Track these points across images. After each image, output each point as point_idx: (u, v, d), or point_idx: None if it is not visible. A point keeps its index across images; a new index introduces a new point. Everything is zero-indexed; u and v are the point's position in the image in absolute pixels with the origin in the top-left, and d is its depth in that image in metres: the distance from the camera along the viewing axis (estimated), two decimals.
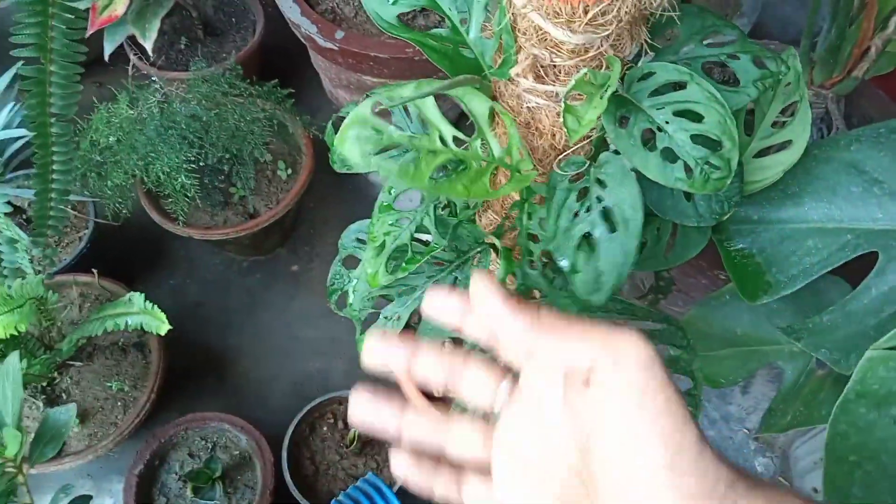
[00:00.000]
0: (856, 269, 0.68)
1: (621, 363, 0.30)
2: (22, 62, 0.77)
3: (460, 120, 0.56)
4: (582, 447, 0.31)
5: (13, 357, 0.66)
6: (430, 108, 0.47)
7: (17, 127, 1.08)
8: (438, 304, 0.35)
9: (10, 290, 0.80)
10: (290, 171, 1.28)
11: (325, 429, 1.15)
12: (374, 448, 1.14)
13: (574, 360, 0.31)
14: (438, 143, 0.47)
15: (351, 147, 0.45)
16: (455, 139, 0.48)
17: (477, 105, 0.48)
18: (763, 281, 0.67)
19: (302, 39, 1.27)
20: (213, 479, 1.05)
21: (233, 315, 1.35)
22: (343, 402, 1.16)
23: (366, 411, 0.36)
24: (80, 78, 0.77)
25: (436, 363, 0.35)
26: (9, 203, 0.90)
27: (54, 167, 0.83)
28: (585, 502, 0.32)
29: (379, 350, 0.36)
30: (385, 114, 0.70)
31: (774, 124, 0.63)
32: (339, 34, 1.18)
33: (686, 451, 0.29)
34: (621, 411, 0.29)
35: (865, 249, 0.64)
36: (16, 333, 0.77)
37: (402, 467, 0.37)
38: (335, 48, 1.19)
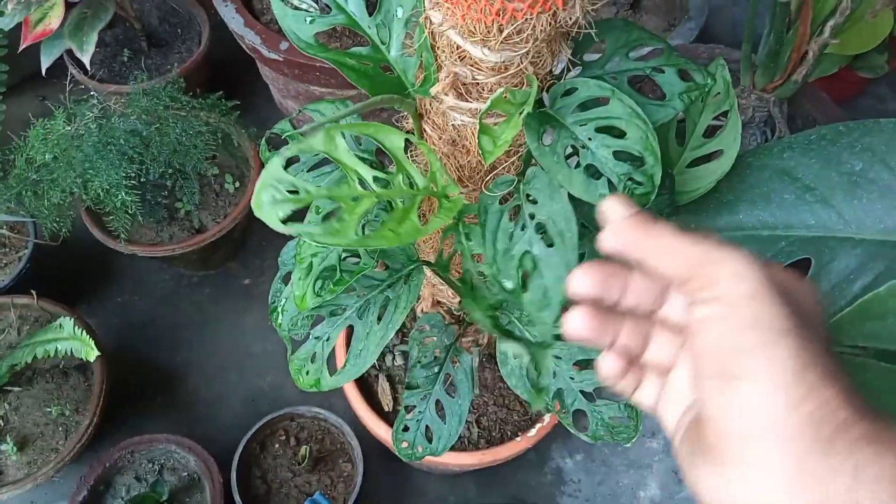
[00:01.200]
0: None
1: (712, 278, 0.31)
2: None
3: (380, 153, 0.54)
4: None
5: None
6: (343, 152, 0.45)
7: None
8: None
9: None
10: (237, 184, 1.25)
11: (276, 446, 1.13)
12: (327, 464, 1.12)
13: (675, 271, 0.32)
14: (359, 188, 0.46)
15: (268, 213, 0.43)
16: (375, 179, 0.46)
17: (391, 140, 0.47)
18: None
19: (247, 51, 1.25)
20: (161, 503, 1.02)
21: (182, 331, 1.32)
22: (295, 418, 1.14)
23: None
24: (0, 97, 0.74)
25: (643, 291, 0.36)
26: None
27: None
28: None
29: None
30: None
31: (706, 134, 0.63)
32: (284, 45, 1.16)
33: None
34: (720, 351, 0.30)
35: (799, 256, 0.64)
36: None
37: (610, 365, 0.37)
38: (280, 59, 1.17)
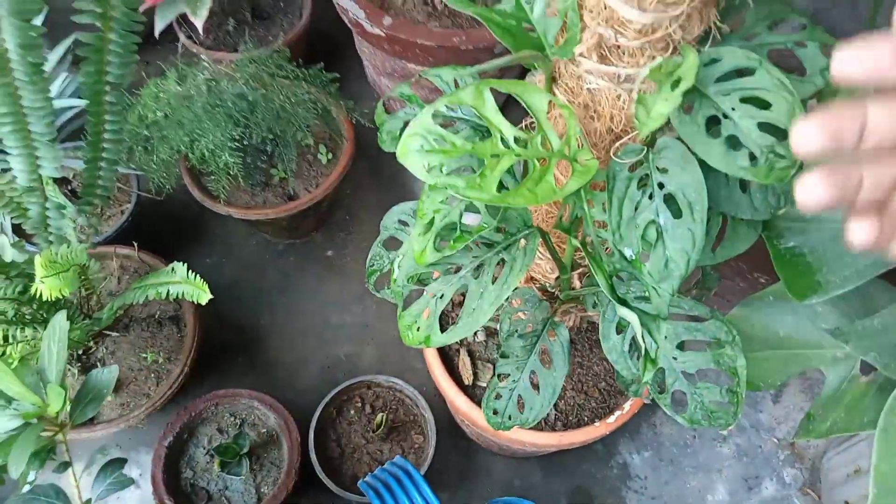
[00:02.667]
0: None
1: None
2: (79, 31, 0.78)
3: (506, 106, 0.55)
4: None
5: (60, 316, 0.67)
6: (490, 109, 0.46)
7: (69, 97, 1.10)
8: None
9: (56, 255, 0.81)
10: (330, 155, 1.28)
11: (352, 412, 1.15)
12: (399, 434, 1.14)
13: None
14: (501, 146, 0.47)
15: (414, 160, 0.45)
16: (516, 139, 0.47)
17: (536, 100, 0.48)
18: (813, 280, 0.66)
19: (349, 25, 1.27)
20: (241, 455, 1.05)
21: (266, 296, 1.36)
22: (371, 386, 1.16)
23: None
24: (136, 48, 0.78)
25: None
26: (59, 171, 0.91)
27: (106, 136, 0.84)
28: None
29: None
30: (437, 91, 0.69)
31: None
32: (387, 20, 1.18)
33: None
34: None
35: None
36: (60, 297, 0.78)
37: (863, 235, 0.32)
38: (382, 34, 1.19)
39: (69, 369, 1.07)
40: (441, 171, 0.47)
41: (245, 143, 1.12)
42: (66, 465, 0.67)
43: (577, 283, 0.76)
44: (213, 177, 1.15)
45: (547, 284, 0.82)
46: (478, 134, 0.57)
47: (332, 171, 1.26)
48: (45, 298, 0.74)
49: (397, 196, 1.47)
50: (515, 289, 0.85)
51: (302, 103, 1.14)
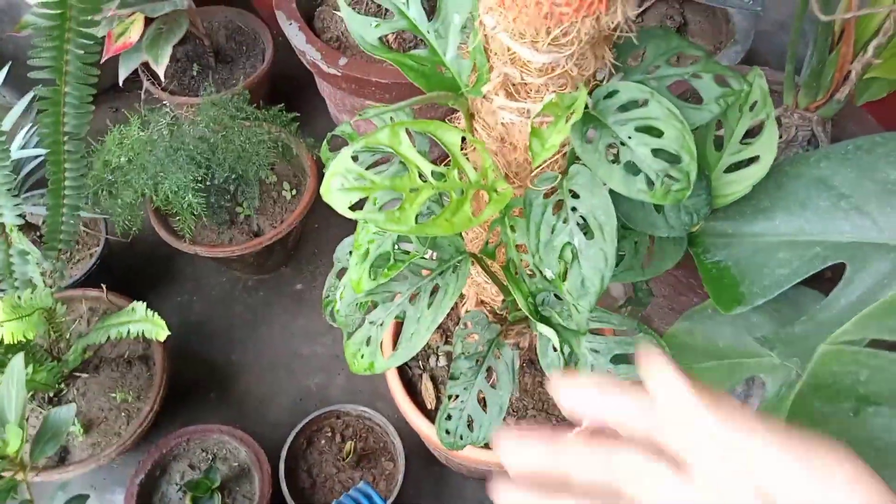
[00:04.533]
0: (833, 283, 0.71)
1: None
2: (39, 84, 0.82)
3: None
4: None
5: (17, 359, 0.69)
6: (405, 147, 0.50)
7: (33, 147, 1.13)
8: (576, 395, 0.32)
9: (19, 299, 0.84)
10: (294, 191, 1.32)
11: (322, 442, 1.17)
12: (370, 461, 1.16)
13: (772, 473, 0.28)
14: (418, 180, 0.50)
15: (336, 198, 0.48)
16: (433, 172, 0.51)
17: (449, 136, 0.51)
18: (737, 292, 0.70)
19: (307, 66, 1.32)
20: (213, 490, 1.07)
21: (236, 331, 1.39)
22: (341, 415, 1.19)
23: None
24: (92, 99, 0.82)
25: (584, 453, 0.31)
26: (22, 218, 0.93)
27: (66, 183, 0.88)
28: None
29: (514, 449, 0.32)
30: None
31: (743, 141, 0.66)
32: (343, 61, 1.23)
33: None
34: None
35: (834, 261, 0.67)
36: (23, 340, 0.81)
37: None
38: (338, 74, 1.23)
39: (40, 412, 1.09)
40: (373, 205, 0.50)
41: (208, 183, 1.16)
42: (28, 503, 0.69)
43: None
44: (178, 217, 1.19)
45: (496, 307, 0.86)
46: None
47: (296, 206, 1.29)
48: (6, 342, 0.76)
49: None
50: (467, 311, 0.89)
51: (262, 143, 1.18)
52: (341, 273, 0.86)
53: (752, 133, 0.71)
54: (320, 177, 1.32)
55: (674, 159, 0.51)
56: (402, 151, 0.50)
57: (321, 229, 1.51)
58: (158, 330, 0.84)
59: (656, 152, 0.51)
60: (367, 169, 0.72)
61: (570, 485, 0.31)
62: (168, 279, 1.44)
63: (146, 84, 1.41)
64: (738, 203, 0.70)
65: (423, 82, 0.54)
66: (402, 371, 1.05)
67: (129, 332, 0.87)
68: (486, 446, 0.98)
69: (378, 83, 1.22)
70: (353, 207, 0.48)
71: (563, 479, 0.31)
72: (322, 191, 0.49)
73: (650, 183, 0.51)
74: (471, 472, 1.21)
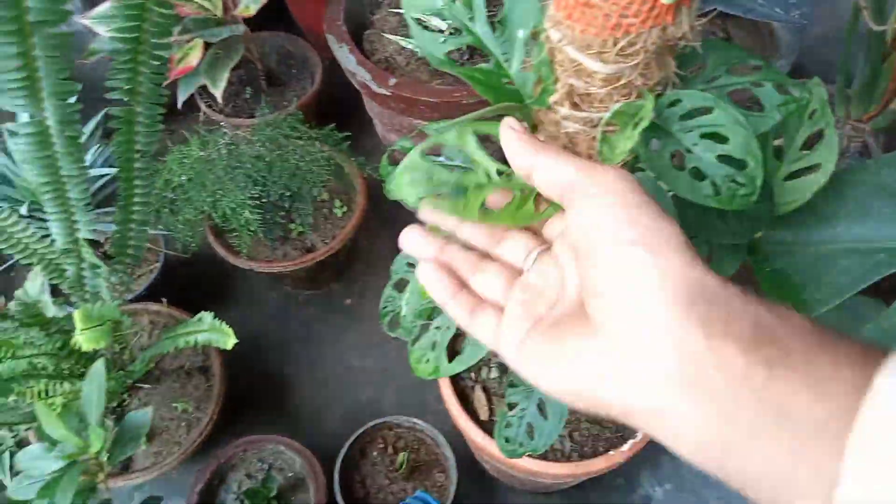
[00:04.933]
0: (888, 292, 0.70)
1: (598, 184, 0.35)
2: (106, 108, 0.86)
3: None
4: (580, 276, 0.35)
5: (99, 364, 0.73)
6: (473, 148, 0.52)
7: (99, 167, 1.18)
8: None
9: (91, 310, 0.87)
10: (345, 208, 1.35)
11: (375, 453, 1.19)
12: (422, 474, 1.17)
13: (560, 177, 0.38)
14: (484, 178, 0.52)
15: (406, 191, 0.50)
16: (498, 172, 0.53)
17: None
18: (799, 300, 0.70)
19: (357, 87, 1.36)
20: (269, 499, 1.09)
21: (289, 346, 1.42)
22: (393, 427, 1.20)
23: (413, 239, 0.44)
24: (161, 118, 0.86)
25: (476, 233, 0.45)
26: (93, 233, 0.98)
27: (135, 199, 0.92)
28: (579, 329, 0.34)
29: (414, 238, 0.44)
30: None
31: (802, 149, 0.67)
32: (392, 81, 1.26)
33: (678, 270, 0.30)
34: (604, 228, 0.33)
35: None
36: (96, 349, 0.84)
37: (429, 274, 0.42)
38: (388, 94, 1.27)
39: (105, 421, 1.13)
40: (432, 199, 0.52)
41: (264, 200, 1.19)
42: (107, 502, 0.71)
43: None
44: (234, 233, 1.22)
45: None
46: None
47: (347, 223, 1.32)
48: (83, 350, 0.80)
49: None
50: None
51: (316, 161, 1.22)
52: (398, 284, 0.88)
53: (808, 144, 0.72)
54: (370, 194, 1.35)
55: (739, 165, 0.52)
56: (469, 150, 0.52)
57: (369, 246, 1.54)
58: (226, 338, 0.87)
59: (721, 158, 0.52)
60: None
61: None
62: (223, 295, 1.48)
63: (203, 107, 1.46)
64: (797, 211, 0.71)
65: (490, 95, 0.56)
66: (455, 382, 1.06)
67: (196, 341, 0.90)
68: (542, 457, 0.99)
69: (427, 102, 1.25)
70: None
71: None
72: (394, 186, 0.51)
73: (716, 188, 0.52)
74: (522, 484, 1.21)
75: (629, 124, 0.50)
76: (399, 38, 1.34)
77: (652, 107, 0.49)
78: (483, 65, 0.58)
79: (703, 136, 0.53)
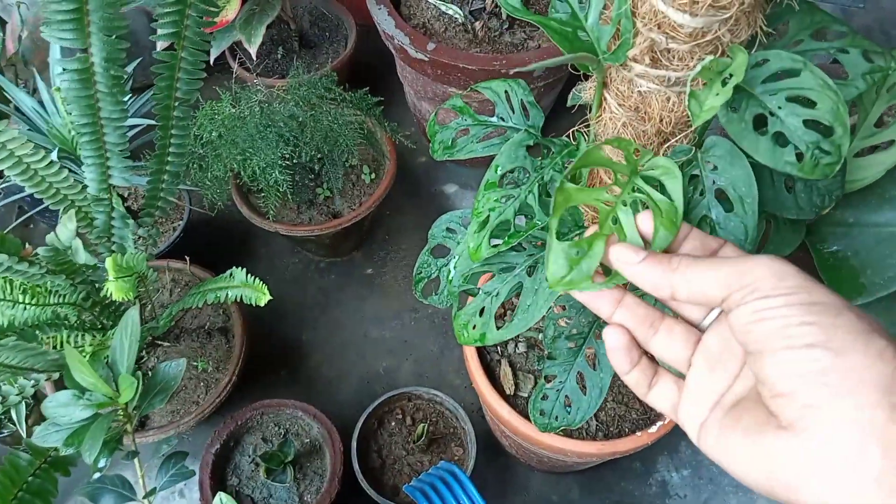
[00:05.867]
0: None
1: (756, 281, 0.33)
2: (140, 58, 0.84)
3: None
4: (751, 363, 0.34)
5: (133, 311, 0.71)
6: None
7: (130, 117, 1.16)
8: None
9: (122, 259, 0.85)
10: (373, 175, 1.33)
11: (392, 424, 1.17)
12: (439, 446, 1.16)
13: (710, 287, 0.35)
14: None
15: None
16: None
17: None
18: (857, 283, 0.68)
19: (393, 51, 1.33)
20: (285, 464, 1.08)
21: (308, 312, 1.40)
22: (412, 398, 1.19)
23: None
24: (204, 66, 0.83)
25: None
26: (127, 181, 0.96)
27: (171, 149, 0.89)
28: (769, 423, 0.33)
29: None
30: (484, 105, 0.73)
31: (877, 124, 0.64)
32: (431, 46, 1.23)
33: (846, 336, 0.30)
34: (774, 331, 0.32)
35: None
36: (124, 299, 0.82)
37: (615, 341, 0.41)
38: (426, 59, 1.24)
39: None
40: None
41: (294, 161, 1.17)
42: (133, 454, 0.70)
43: None
44: (261, 194, 1.20)
45: None
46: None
47: (374, 190, 1.30)
48: (111, 300, 0.78)
49: (434, 218, 1.50)
50: (559, 295, 0.88)
51: (348, 124, 1.19)
52: (435, 250, 0.86)
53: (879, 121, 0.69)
54: (399, 161, 1.33)
55: (826, 132, 0.49)
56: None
57: (393, 216, 1.52)
58: (260, 295, 0.85)
59: (808, 123, 0.49)
60: (479, 141, 0.73)
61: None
62: (243, 256, 1.46)
63: (235, 65, 1.44)
64: (859, 192, 0.68)
65: (565, 45, 0.53)
66: (482, 356, 1.04)
67: (227, 296, 0.88)
68: (568, 434, 0.97)
69: (465, 69, 1.23)
70: None
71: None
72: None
73: (799, 155, 0.50)
74: (540, 463, 1.20)
75: (717, 80, 0.48)
76: (439, 2, 1.31)
77: (745, 61, 0.46)
78: (558, 14, 0.55)
79: (789, 99, 0.50)
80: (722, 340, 0.39)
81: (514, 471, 1.25)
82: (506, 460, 1.25)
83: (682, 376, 0.41)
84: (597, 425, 1.00)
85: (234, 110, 1.17)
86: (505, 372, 1.03)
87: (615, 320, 0.41)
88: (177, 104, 0.84)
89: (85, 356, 0.78)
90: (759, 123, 0.51)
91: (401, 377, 1.33)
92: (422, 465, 1.14)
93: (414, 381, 1.32)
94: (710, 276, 0.35)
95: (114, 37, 0.69)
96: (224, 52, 1.42)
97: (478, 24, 1.30)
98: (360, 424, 1.14)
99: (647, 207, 0.44)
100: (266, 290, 0.85)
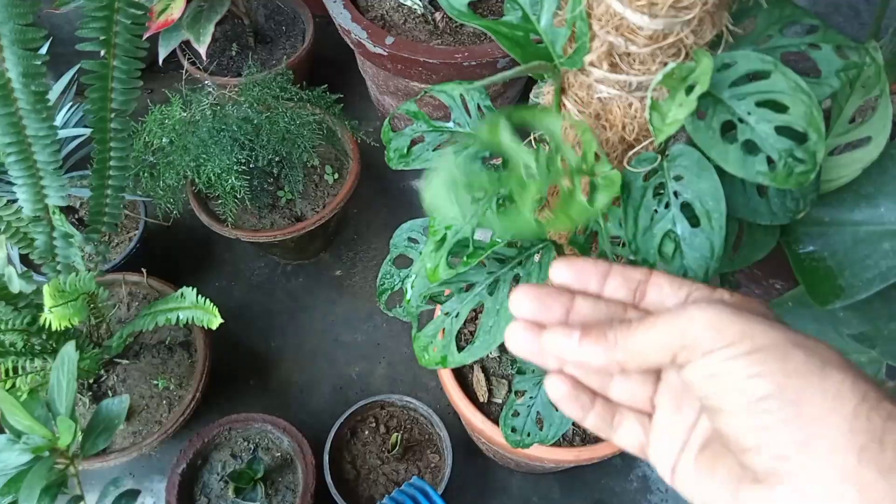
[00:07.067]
0: None
1: (698, 335, 0.31)
2: (84, 59, 0.78)
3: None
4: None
5: (69, 347, 0.66)
6: (508, 144, 0.44)
7: (73, 126, 1.10)
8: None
9: (64, 284, 0.80)
10: (336, 175, 1.28)
11: (366, 433, 1.14)
12: (415, 454, 1.12)
13: (656, 360, 0.33)
14: (524, 174, 0.45)
15: (443, 202, 0.42)
16: (537, 161, 0.46)
17: (549, 123, 0.46)
18: (835, 285, 0.65)
19: (351, 45, 1.27)
20: (255, 481, 1.04)
21: (276, 318, 1.35)
22: (385, 406, 1.15)
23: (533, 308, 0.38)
24: (140, 74, 0.78)
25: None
26: (65, 199, 0.90)
27: (111, 163, 0.84)
28: (743, 473, 0.32)
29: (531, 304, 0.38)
30: (442, 107, 0.69)
31: (852, 121, 0.61)
32: (389, 40, 1.18)
33: (802, 375, 0.29)
34: (727, 386, 0.31)
35: None
36: (69, 326, 0.77)
37: (559, 391, 0.37)
38: (384, 53, 1.19)
39: (80, 399, 1.06)
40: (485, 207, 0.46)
41: (251, 165, 1.12)
42: (78, 499, 0.65)
43: None
44: (219, 201, 1.15)
45: None
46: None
47: (338, 190, 1.25)
48: (53, 329, 0.73)
49: (404, 215, 1.46)
50: None
51: (307, 124, 1.14)
52: (399, 260, 0.81)
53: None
54: (363, 160, 1.28)
55: (800, 138, 0.46)
56: (505, 149, 0.45)
57: (360, 214, 1.47)
58: (211, 318, 0.81)
59: (780, 129, 0.46)
60: (435, 149, 0.68)
61: None
62: (206, 264, 1.41)
63: (186, 64, 1.37)
64: (836, 189, 0.65)
65: (517, 51, 0.49)
66: None
67: (178, 318, 0.83)
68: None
69: (426, 63, 1.18)
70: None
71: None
72: (428, 198, 0.43)
73: (771, 163, 0.46)
74: (519, 466, 1.17)
75: (681, 89, 0.44)
76: None
77: (710, 67, 0.42)
78: (509, 17, 0.51)
79: (759, 104, 0.46)
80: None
81: (494, 473, 1.22)
82: (484, 462, 1.22)
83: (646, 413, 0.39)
84: (573, 430, 0.97)
85: (184, 114, 1.11)
86: (478, 378, 0.99)
87: (568, 372, 0.38)
88: (113, 115, 0.78)
89: (21, 395, 0.73)
90: (728, 130, 0.48)
91: (374, 382, 1.29)
92: (397, 475, 1.11)
93: (388, 384, 1.29)
94: (649, 344, 0.33)
95: (31, 50, 0.63)
96: (175, 50, 1.35)
97: (438, 15, 1.25)
98: (331, 435, 1.10)
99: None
100: (216, 313, 0.81)
